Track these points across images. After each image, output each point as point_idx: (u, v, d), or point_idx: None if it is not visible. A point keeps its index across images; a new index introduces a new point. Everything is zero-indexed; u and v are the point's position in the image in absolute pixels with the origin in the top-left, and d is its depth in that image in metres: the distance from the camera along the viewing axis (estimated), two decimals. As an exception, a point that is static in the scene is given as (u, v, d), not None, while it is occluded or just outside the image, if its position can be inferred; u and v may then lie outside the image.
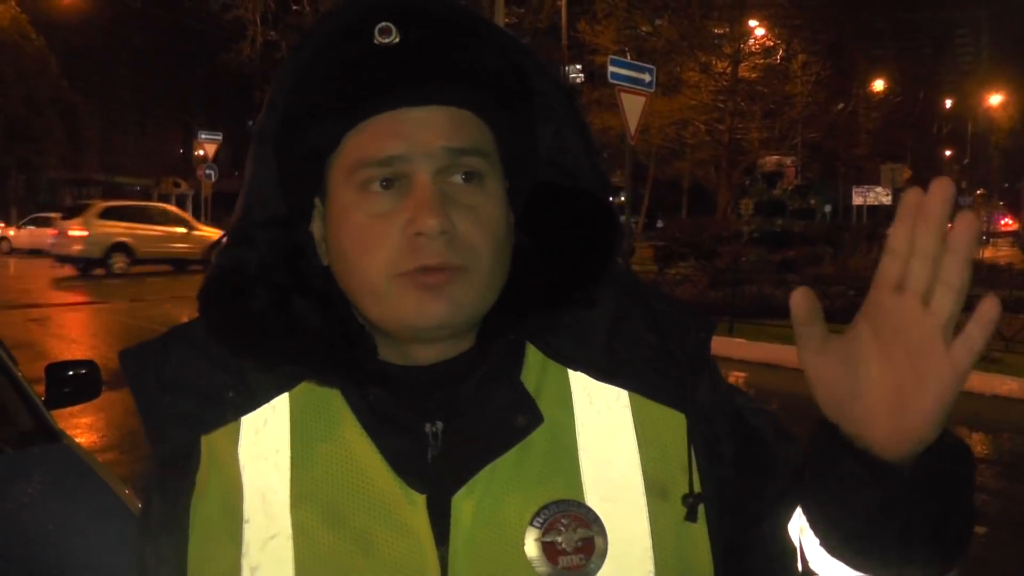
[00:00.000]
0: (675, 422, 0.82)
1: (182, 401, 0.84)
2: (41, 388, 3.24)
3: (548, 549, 0.77)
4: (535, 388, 0.82)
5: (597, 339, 0.83)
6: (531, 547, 0.77)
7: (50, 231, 26.78)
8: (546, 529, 0.77)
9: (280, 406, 0.84)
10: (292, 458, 0.82)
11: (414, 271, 0.77)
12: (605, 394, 0.83)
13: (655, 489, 0.80)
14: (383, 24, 0.77)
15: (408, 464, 0.79)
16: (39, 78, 39.89)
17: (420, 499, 0.78)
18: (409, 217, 0.76)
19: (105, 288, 19.55)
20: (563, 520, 0.77)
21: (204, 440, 0.84)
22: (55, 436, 2.94)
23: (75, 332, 13.08)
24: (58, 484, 2.72)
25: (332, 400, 0.83)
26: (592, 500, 0.79)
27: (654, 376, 0.83)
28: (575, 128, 0.89)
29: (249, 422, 0.84)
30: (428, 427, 0.81)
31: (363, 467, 0.80)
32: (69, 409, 3.67)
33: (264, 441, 0.83)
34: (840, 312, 11.92)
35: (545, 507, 0.78)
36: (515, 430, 0.79)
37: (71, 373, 3.32)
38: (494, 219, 0.80)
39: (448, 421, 0.80)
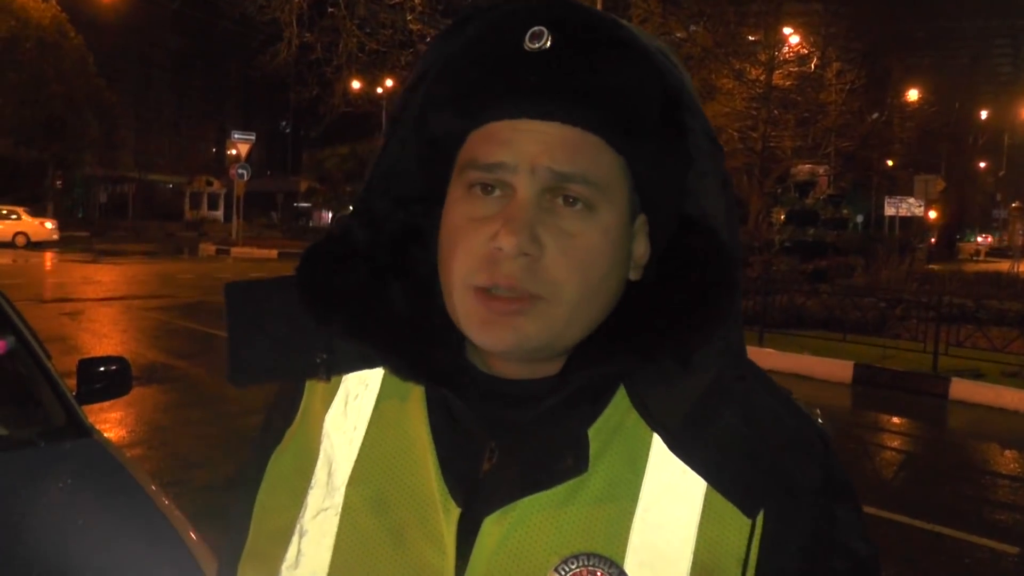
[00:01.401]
0: (741, 524, 0.75)
1: (272, 346, 0.86)
2: (73, 382, 3.28)
3: None
4: (609, 434, 0.77)
5: (682, 406, 0.75)
6: None
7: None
8: None
9: (373, 384, 0.86)
10: (364, 438, 0.84)
11: (486, 288, 0.74)
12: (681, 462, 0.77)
13: (701, 570, 0.74)
14: (536, 29, 0.74)
15: (458, 473, 0.78)
16: (77, 77, 40.44)
17: (455, 511, 0.77)
18: (496, 229, 0.73)
19: (137, 282, 19.77)
20: (589, 575, 0.73)
21: (304, 400, 0.88)
22: (86, 431, 2.97)
23: (106, 327, 13.22)
24: (88, 479, 2.75)
25: (413, 389, 0.83)
26: (631, 563, 0.74)
27: (731, 470, 0.75)
28: (718, 179, 0.81)
29: (342, 393, 0.87)
30: (489, 441, 0.79)
31: (417, 465, 0.80)
32: (99, 404, 3.71)
33: (350, 414, 0.86)
34: (871, 324, 11.73)
35: (575, 556, 0.74)
36: (560, 470, 0.75)
37: (102, 369, 3.35)
38: (593, 251, 0.74)
39: (507, 441, 0.79)
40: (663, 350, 0.76)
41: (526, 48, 0.74)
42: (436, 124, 0.80)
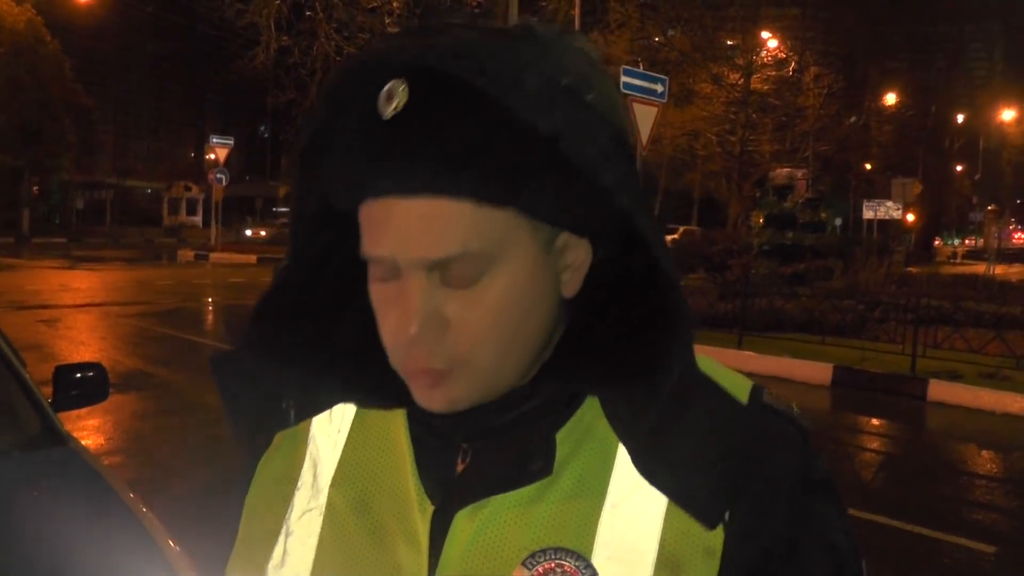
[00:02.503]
0: (702, 532, 0.75)
1: (260, 401, 0.87)
2: (49, 390, 3.25)
3: None
4: (580, 436, 0.78)
5: (647, 416, 0.75)
6: None
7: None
8: (538, 572, 0.74)
9: None
10: (347, 441, 0.86)
11: (403, 370, 0.75)
12: None
13: (667, 562, 0.74)
14: (388, 89, 0.67)
15: (434, 473, 0.80)
16: (53, 81, 40.12)
17: (429, 508, 0.79)
18: (399, 315, 0.72)
19: (115, 289, 19.63)
20: (556, 569, 0.74)
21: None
22: (62, 439, 2.94)
23: (83, 334, 13.11)
24: (64, 488, 2.72)
25: None
26: (599, 556, 0.75)
27: (690, 483, 0.74)
28: (629, 189, 0.73)
29: None
30: (462, 443, 0.80)
31: (397, 466, 0.82)
32: (76, 412, 3.67)
33: (335, 418, 0.88)
34: (850, 326, 11.79)
35: (543, 550, 0.75)
36: (528, 473, 0.77)
37: (79, 376, 3.32)
38: (499, 309, 0.72)
39: (480, 443, 0.80)
40: (625, 372, 0.76)
41: (381, 114, 0.68)
42: (332, 197, 0.77)
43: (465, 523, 0.77)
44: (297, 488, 0.86)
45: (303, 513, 0.85)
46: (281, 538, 0.85)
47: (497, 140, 0.67)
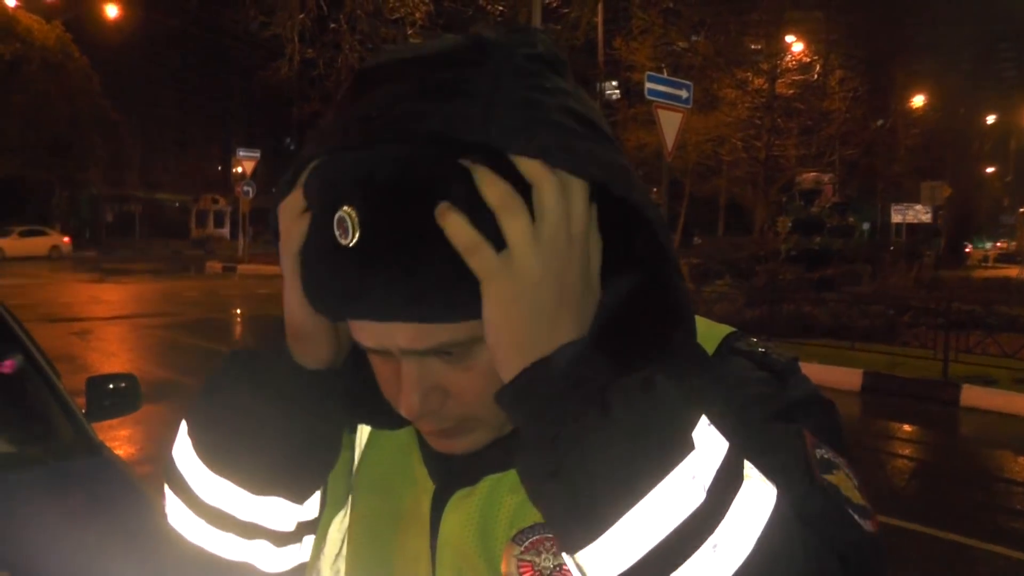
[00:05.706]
0: None
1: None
2: (82, 400, 3.28)
3: (524, 567, 0.77)
4: None
5: None
6: (508, 562, 0.77)
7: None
8: (527, 548, 0.77)
9: None
10: (371, 431, 0.91)
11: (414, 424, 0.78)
12: None
13: None
14: (337, 219, 0.66)
15: (438, 457, 0.82)
16: (82, 96, 40.62)
17: (430, 489, 0.83)
18: (400, 388, 0.74)
19: (144, 301, 19.82)
20: (547, 543, 0.76)
21: None
22: (96, 449, 2.97)
23: (114, 346, 13.24)
24: (98, 496, 2.74)
25: None
26: None
27: None
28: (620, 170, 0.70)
29: None
30: None
31: (405, 448, 0.87)
32: (108, 422, 3.71)
33: None
34: (880, 331, 11.62)
35: (532, 527, 0.77)
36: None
37: (111, 386, 3.36)
38: (494, 370, 0.71)
39: None
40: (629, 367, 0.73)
41: (337, 240, 0.66)
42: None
43: (460, 502, 0.81)
44: (353, 476, 0.91)
45: (348, 490, 0.90)
46: (344, 510, 0.90)
47: (456, 268, 0.65)
